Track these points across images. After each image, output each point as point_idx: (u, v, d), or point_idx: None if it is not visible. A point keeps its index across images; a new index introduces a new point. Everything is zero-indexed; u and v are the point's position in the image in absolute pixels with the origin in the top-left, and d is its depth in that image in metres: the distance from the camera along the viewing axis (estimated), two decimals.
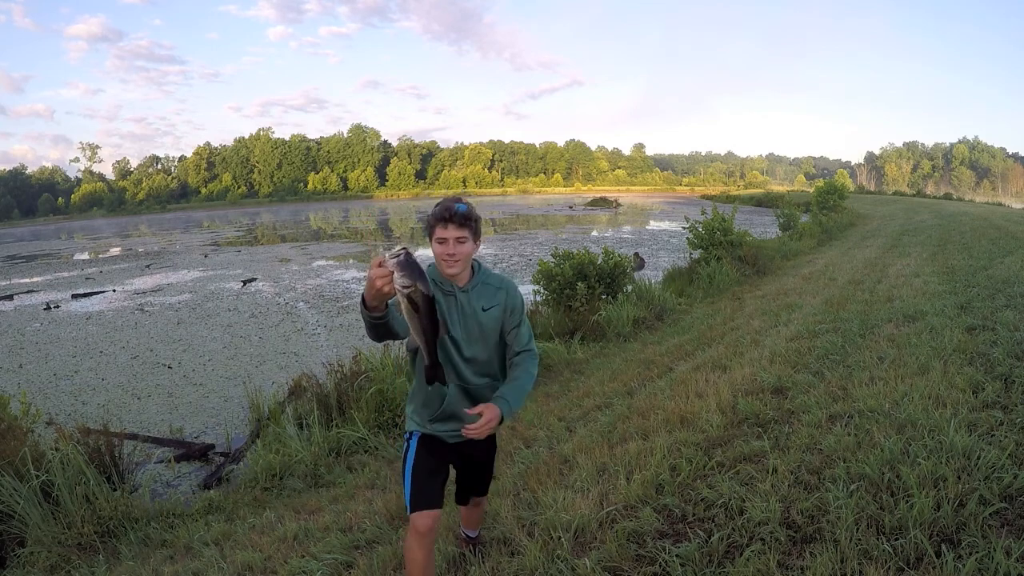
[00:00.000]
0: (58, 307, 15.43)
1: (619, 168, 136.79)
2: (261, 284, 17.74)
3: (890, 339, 4.54)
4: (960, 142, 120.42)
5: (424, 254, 2.11)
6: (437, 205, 2.11)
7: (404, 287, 1.69)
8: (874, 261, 9.96)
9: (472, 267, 2.23)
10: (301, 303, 14.44)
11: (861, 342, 4.62)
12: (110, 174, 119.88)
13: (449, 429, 2.26)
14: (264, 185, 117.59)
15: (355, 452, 5.27)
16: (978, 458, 2.47)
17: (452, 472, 2.44)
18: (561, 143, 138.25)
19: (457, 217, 2.06)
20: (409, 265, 1.69)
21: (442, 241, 2.09)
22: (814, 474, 2.64)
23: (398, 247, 1.73)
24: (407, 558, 2.17)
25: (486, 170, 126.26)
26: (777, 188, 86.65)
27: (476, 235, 2.13)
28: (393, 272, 1.69)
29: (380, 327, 1.87)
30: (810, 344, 4.81)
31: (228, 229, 47.36)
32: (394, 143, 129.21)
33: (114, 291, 17.71)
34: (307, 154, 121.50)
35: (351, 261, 23.14)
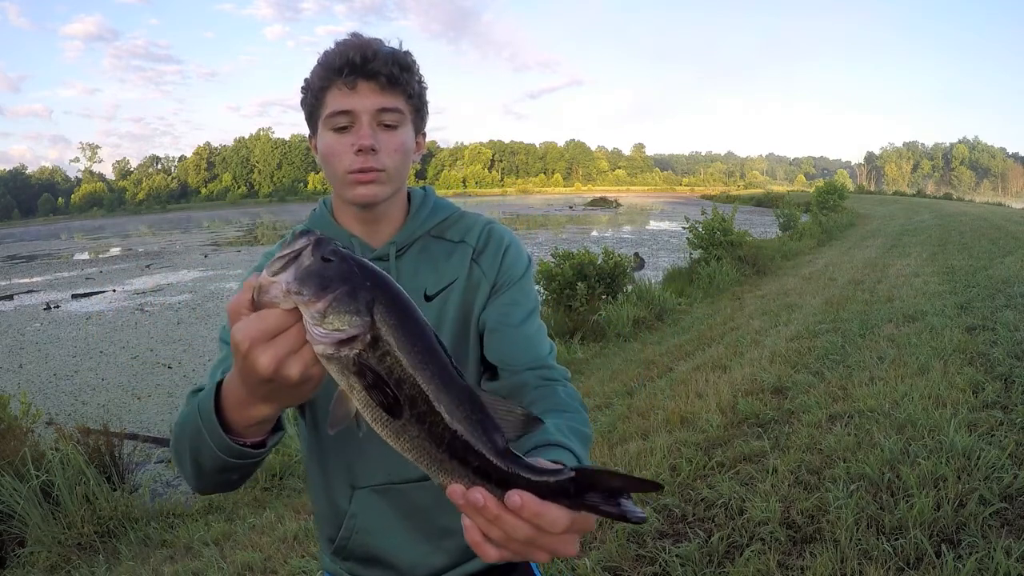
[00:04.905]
0: (58, 307, 15.42)
1: (619, 168, 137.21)
2: None
3: (890, 339, 4.55)
4: (960, 142, 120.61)
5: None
6: (325, 53, 0.93)
7: (342, 338, 0.53)
8: (874, 261, 9.96)
9: (408, 196, 1.05)
10: None
11: (861, 342, 4.62)
12: (110, 174, 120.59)
13: None
14: (264, 185, 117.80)
15: None
16: (978, 458, 2.47)
17: None
18: (561, 143, 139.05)
19: (379, 64, 0.90)
20: (340, 279, 0.54)
21: (343, 126, 0.92)
22: (814, 474, 2.64)
23: (295, 237, 0.57)
24: None
25: (486, 170, 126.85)
26: (777, 188, 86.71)
27: (420, 115, 0.98)
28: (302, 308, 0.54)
29: (249, 466, 0.75)
30: (810, 344, 4.81)
31: (228, 229, 47.34)
32: None
33: (114, 291, 17.70)
34: (307, 154, 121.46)
35: None
